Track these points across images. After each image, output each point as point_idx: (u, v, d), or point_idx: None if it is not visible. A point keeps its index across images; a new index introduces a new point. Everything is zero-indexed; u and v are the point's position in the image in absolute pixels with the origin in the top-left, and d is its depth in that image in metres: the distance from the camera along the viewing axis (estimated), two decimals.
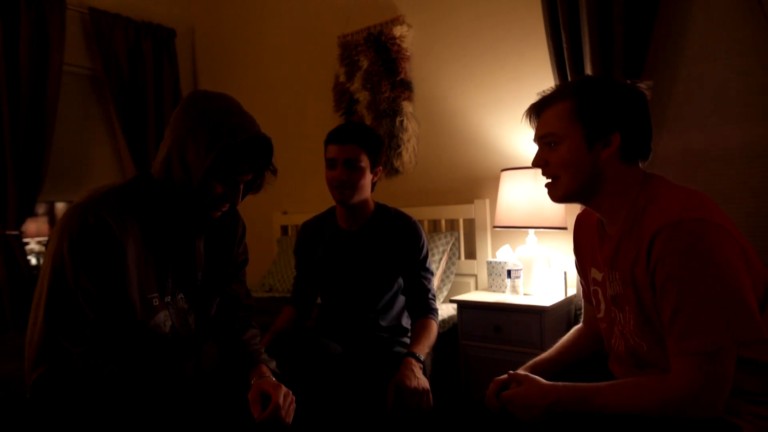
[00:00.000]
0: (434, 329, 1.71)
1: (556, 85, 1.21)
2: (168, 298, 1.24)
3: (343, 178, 1.66)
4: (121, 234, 1.10)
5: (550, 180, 1.17)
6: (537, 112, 1.18)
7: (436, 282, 2.43)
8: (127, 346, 1.18)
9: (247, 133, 1.12)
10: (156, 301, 1.20)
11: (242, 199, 1.26)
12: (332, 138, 1.70)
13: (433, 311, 1.75)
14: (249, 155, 1.16)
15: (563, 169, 1.12)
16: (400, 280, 1.81)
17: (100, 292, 1.10)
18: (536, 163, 1.18)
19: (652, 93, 1.14)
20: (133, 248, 1.14)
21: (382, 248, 1.76)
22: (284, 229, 3.35)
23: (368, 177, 1.70)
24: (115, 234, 1.09)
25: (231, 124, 1.11)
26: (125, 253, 1.12)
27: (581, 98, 1.10)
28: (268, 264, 3.39)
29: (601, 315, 1.23)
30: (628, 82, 1.12)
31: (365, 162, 1.68)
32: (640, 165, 1.13)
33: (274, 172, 1.26)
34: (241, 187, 1.21)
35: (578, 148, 1.09)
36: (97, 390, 1.12)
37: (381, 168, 1.78)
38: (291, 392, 1.25)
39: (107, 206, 1.10)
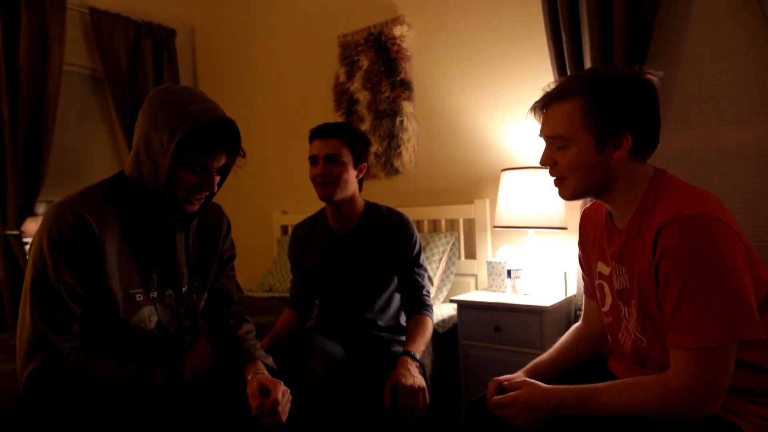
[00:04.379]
0: (429, 325, 1.71)
1: (563, 78, 1.17)
2: (154, 294, 1.25)
3: (324, 173, 1.66)
4: (99, 230, 1.12)
5: (557, 179, 1.15)
6: (544, 106, 1.14)
7: (436, 282, 2.43)
8: (113, 341, 1.20)
9: (206, 117, 1.13)
10: (140, 297, 1.21)
11: (218, 187, 1.25)
12: (313, 134, 1.73)
13: (428, 307, 1.75)
14: (212, 139, 1.16)
15: (572, 171, 1.10)
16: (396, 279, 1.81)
17: (83, 287, 1.12)
18: (544, 163, 1.15)
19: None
20: (113, 244, 1.16)
21: (375, 247, 1.76)
22: (284, 229, 3.34)
23: (351, 172, 1.71)
24: (93, 230, 1.11)
25: (190, 110, 1.12)
26: (104, 248, 1.13)
27: (592, 97, 1.05)
28: (268, 264, 3.39)
29: (606, 309, 1.23)
30: (636, 68, 1.08)
31: (347, 157, 1.69)
32: (647, 160, 1.12)
33: (244, 155, 1.26)
34: (215, 174, 1.21)
35: (588, 151, 1.07)
36: (91, 389, 1.12)
37: (366, 165, 1.77)
38: (288, 390, 1.26)
39: (85, 203, 1.13)
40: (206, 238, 1.37)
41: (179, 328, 1.30)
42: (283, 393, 1.23)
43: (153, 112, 1.14)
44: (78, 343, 1.13)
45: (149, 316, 1.23)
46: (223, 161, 1.22)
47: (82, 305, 1.13)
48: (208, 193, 1.24)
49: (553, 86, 1.14)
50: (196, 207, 1.24)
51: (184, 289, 1.31)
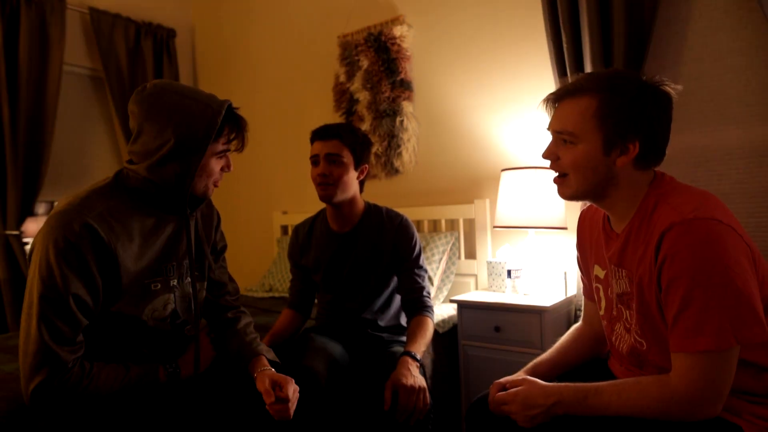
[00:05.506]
0: (430, 326, 1.71)
1: (581, 74, 1.13)
2: (174, 282, 1.25)
3: (325, 173, 1.66)
4: (109, 237, 1.11)
5: (557, 175, 1.15)
6: (557, 99, 1.12)
7: (436, 282, 2.43)
8: (123, 335, 1.20)
9: (222, 105, 1.17)
10: (156, 286, 1.21)
11: None
12: (315, 135, 1.73)
13: (428, 308, 1.74)
14: (229, 123, 1.21)
15: (574, 169, 1.09)
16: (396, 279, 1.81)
17: (92, 296, 1.10)
18: (547, 156, 1.15)
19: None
20: (127, 244, 1.15)
21: (375, 248, 1.76)
22: (284, 229, 3.34)
23: (352, 174, 1.71)
24: (102, 238, 1.09)
25: (206, 103, 1.16)
26: (116, 253, 1.12)
27: (607, 97, 1.04)
28: (268, 264, 3.39)
29: (602, 312, 1.23)
30: (657, 78, 1.06)
31: (348, 158, 1.69)
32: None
33: (246, 127, 1.29)
34: (228, 155, 1.27)
35: (594, 152, 1.06)
36: (96, 396, 1.12)
37: (367, 167, 1.77)
38: (298, 388, 1.28)
39: (91, 211, 1.10)
40: (201, 229, 1.38)
41: (196, 315, 1.31)
42: (294, 390, 1.25)
43: (167, 118, 1.12)
44: (83, 352, 1.13)
45: (165, 304, 1.23)
46: (240, 141, 1.27)
47: (89, 315, 1.12)
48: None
49: (571, 81, 1.12)
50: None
51: (196, 273, 1.33)
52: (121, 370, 1.17)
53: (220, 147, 1.20)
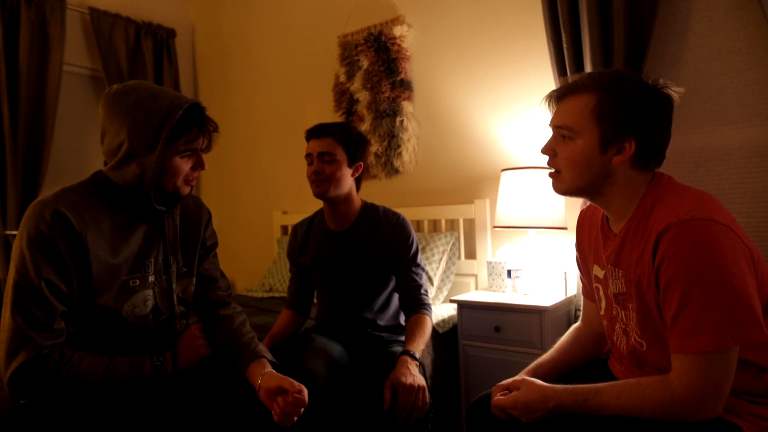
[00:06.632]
0: (428, 324, 1.71)
1: (584, 73, 1.16)
2: (152, 278, 1.26)
3: (318, 171, 1.69)
4: (80, 226, 1.12)
5: (553, 171, 1.16)
6: (559, 96, 1.14)
7: (436, 282, 2.43)
8: (108, 331, 1.20)
9: (181, 106, 1.16)
10: (135, 282, 1.22)
11: None
12: (309, 134, 1.76)
13: (426, 306, 1.75)
14: (192, 123, 1.20)
15: (570, 165, 1.10)
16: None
17: (66, 283, 1.12)
18: (545, 151, 1.16)
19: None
20: (98, 237, 1.16)
21: (371, 247, 1.77)
22: (284, 229, 3.35)
23: (346, 171, 1.72)
24: (73, 226, 1.11)
25: (163, 105, 1.15)
26: (86, 242, 1.13)
27: (605, 96, 1.06)
28: (268, 264, 3.39)
29: (602, 312, 1.23)
30: (660, 80, 1.07)
31: (341, 156, 1.70)
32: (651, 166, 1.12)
33: (217, 129, 1.28)
34: (200, 153, 1.26)
35: (591, 148, 1.07)
36: (78, 384, 1.13)
37: (362, 164, 1.78)
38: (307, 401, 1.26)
39: (63, 201, 1.13)
40: (188, 227, 1.39)
41: (172, 312, 1.31)
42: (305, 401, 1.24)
43: (124, 118, 1.14)
44: (63, 339, 1.13)
45: (144, 301, 1.24)
46: (205, 141, 1.26)
47: (65, 302, 1.12)
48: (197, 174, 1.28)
49: (573, 79, 1.14)
50: (190, 188, 1.28)
51: (173, 269, 1.33)
52: (105, 360, 1.17)
53: (182, 147, 1.19)
